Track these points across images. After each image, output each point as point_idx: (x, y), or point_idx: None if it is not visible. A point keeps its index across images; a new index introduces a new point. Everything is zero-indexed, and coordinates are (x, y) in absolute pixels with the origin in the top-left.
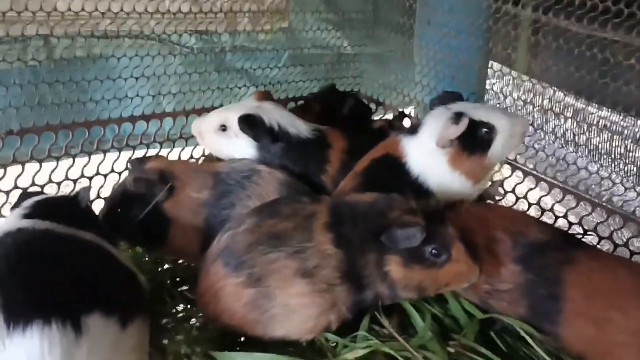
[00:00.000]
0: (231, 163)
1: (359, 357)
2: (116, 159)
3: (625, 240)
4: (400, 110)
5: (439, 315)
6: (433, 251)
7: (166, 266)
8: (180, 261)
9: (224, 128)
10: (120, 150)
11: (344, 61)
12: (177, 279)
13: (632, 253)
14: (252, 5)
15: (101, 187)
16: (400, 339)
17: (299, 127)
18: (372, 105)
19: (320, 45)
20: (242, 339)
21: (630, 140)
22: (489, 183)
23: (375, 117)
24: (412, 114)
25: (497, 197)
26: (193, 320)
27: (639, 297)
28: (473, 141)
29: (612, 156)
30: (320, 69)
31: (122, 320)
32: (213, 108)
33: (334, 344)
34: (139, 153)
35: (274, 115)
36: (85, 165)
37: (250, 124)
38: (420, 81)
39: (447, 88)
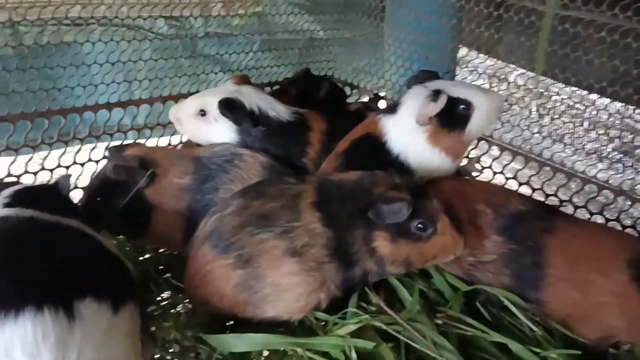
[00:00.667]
0: (212, 148)
1: (351, 332)
2: (93, 148)
3: (600, 209)
4: (375, 92)
5: (424, 290)
6: (419, 225)
7: (148, 255)
8: (162, 250)
9: (203, 113)
10: (97, 138)
11: (317, 46)
12: (161, 267)
13: (607, 220)
14: None
15: (78, 176)
16: (391, 312)
17: (279, 111)
18: (347, 89)
19: (293, 30)
20: (232, 322)
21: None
22: (466, 160)
23: (350, 101)
24: (387, 96)
25: (475, 173)
26: (180, 307)
27: (618, 259)
28: (452, 118)
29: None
30: (293, 54)
31: (115, 305)
32: (186, 95)
33: (324, 322)
34: (115, 142)
35: (254, 99)
36: (61, 155)
37: (230, 107)
38: (395, 62)
39: (420, 69)
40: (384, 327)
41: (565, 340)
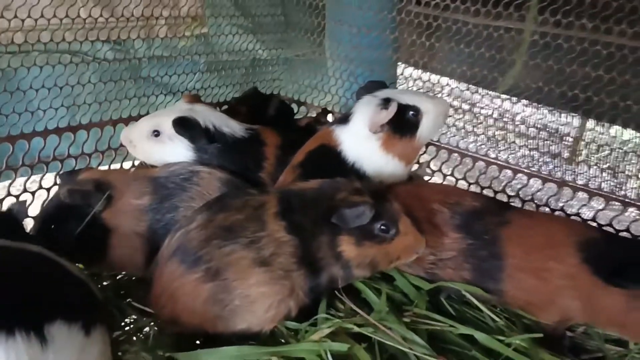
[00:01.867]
0: (168, 167)
1: (324, 336)
2: (43, 176)
3: (545, 201)
4: (323, 107)
5: (389, 293)
6: (382, 227)
7: (105, 283)
8: (119, 276)
9: (156, 133)
10: (47, 165)
11: (262, 65)
12: (122, 292)
13: (553, 210)
14: (169, 11)
15: (29, 205)
16: (362, 313)
17: (233, 127)
18: (294, 106)
19: (237, 50)
20: (201, 340)
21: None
22: (417, 165)
23: (299, 117)
24: (335, 110)
25: (426, 177)
26: (147, 329)
27: (569, 245)
28: (402, 124)
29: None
30: (238, 74)
31: (86, 327)
32: (134, 118)
33: (295, 331)
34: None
35: (208, 116)
36: (10, 184)
37: (185, 125)
38: (340, 77)
39: (363, 82)
40: (356, 328)
41: (526, 327)
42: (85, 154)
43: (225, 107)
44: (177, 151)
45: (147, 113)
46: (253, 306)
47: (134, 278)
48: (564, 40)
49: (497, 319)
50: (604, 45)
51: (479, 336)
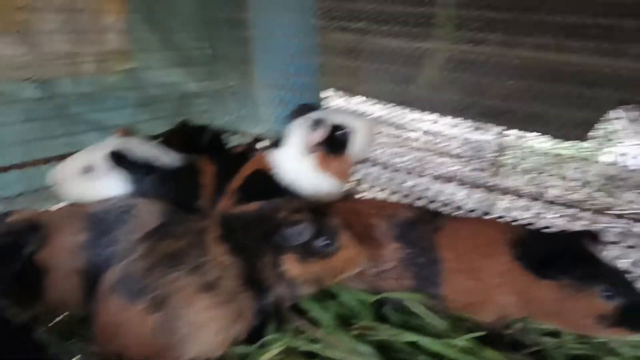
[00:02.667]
0: (105, 202)
1: (274, 357)
2: None
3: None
4: (256, 135)
5: (335, 309)
6: (323, 243)
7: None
8: (57, 319)
9: (89, 169)
10: None
11: (192, 97)
12: (65, 333)
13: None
14: (95, 47)
15: None
16: (312, 330)
17: (168, 158)
18: (227, 136)
19: (166, 84)
20: None
21: None
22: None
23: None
24: (267, 137)
25: (358, 194)
26: None
27: (499, 244)
28: (335, 143)
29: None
30: (169, 107)
31: None
32: (60, 157)
33: (245, 355)
34: None
35: (144, 149)
36: None
37: (120, 159)
38: (271, 104)
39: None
40: (305, 346)
41: (469, 328)
42: (11, 197)
43: (157, 140)
44: (112, 186)
45: (77, 151)
46: (201, 332)
47: (72, 320)
48: (479, 55)
49: (440, 323)
50: (515, 58)
51: (425, 341)
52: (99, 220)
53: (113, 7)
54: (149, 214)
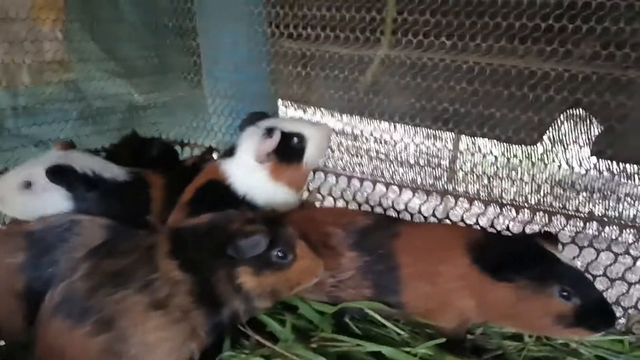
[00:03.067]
0: (45, 219)
1: None
2: None
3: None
4: (207, 146)
5: (293, 322)
6: (279, 254)
7: None
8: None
9: (28, 185)
10: None
11: (140, 109)
12: None
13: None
14: (31, 57)
15: None
16: (269, 344)
17: (114, 172)
18: (178, 147)
19: (109, 95)
20: None
21: None
22: (306, 192)
23: (184, 158)
24: (219, 147)
25: (317, 203)
26: None
27: (456, 248)
28: (288, 151)
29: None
30: (114, 120)
31: None
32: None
33: None
34: None
35: (85, 162)
36: None
37: (60, 174)
38: (222, 115)
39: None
40: None
41: (430, 336)
42: None
43: (103, 154)
44: (52, 202)
45: (13, 168)
46: (152, 354)
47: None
48: (428, 59)
49: (401, 331)
50: (464, 63)
51: (386, 351)
52: (38, 240)
53: (49, 15)
54: (92, 231)
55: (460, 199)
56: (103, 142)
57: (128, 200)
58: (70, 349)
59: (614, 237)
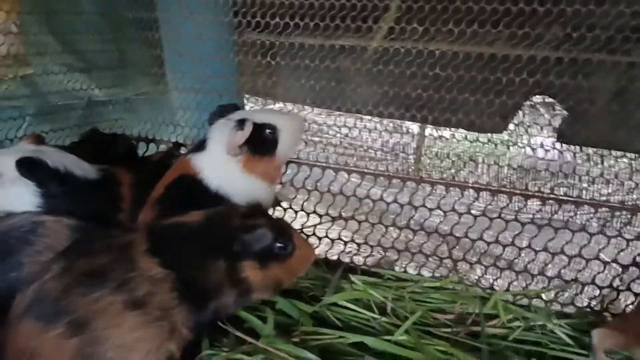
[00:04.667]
0: (6, 221)
1: None
2: None
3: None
4: (174, 141)
5: (273, 317)
6: (280, 244)
7: None
8: None
9: None
10: None
11: (100, 105)
12: None
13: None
14: None
15: None
16: (251, 340)
17: (85, 168)
18: (143, 144)
19: (68, 90)
20: None
21: None
22: (280, 186)
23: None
24: (186, 142)
25: (291, 196)
26: None
27: None
28: (261, 143)
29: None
30: (73, 116)
31: None
32: None
33: None
34: None
35: (57, 158)
36: None
37: (31, 167)
38: (188, 108)
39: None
40: (245, 358)
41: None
42: None
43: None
44: (20, 197)
45: None
46: (129, 356)
47: None
48: (396, 49)
49: (381, 319)
50: (430, 50)
51: (369, 340)
52: (0, 242)
53: (2, 6)
54: (59, 232)
55: (429, 188)
56: (63, 140)
57: (99, 198)
58: (41, 351)
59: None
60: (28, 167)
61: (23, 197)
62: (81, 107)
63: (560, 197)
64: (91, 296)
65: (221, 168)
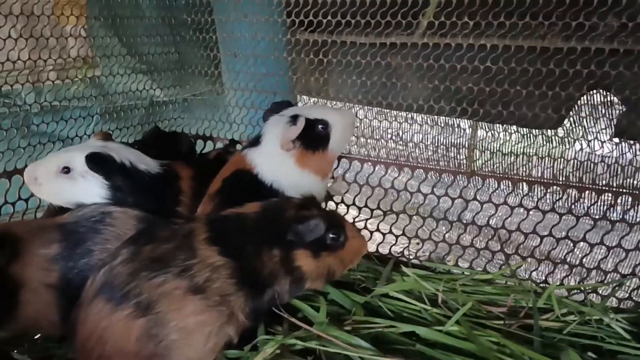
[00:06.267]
0: (77, 212)
1: (269, 357)
2: None
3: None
4: (230, 138)
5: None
6: (333, 235)
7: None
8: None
9: (67, 170)
10: None
11: (161, 104)
12: (41, 357)
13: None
14: (56, 54)
15: None
16: (305, 326)
17: (148, 163)
18: (200, 141)
19: (132, 91)
20: None
21: None
22: (332, 180)
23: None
24: (242, 139)
25: (343, 190)
26: None
27: None
28: (313, 138)
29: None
30: (136, 116)
31: None
32: (18, 171)
33: (237, 359)
34: None
35: (123, 153)
36: None
37: (100, 162)
38: (243, 107)
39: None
40: (299, 343)
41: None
42: None
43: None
44: (89, 189)
45: None
46: (191, 338)
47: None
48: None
49: (433, 310)
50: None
51: (420, 331)
52: (71, 231)
53: (72, 13)
54: (125, 221)
55: (481, 186)
56: (126, 138)
57: (161, 191)
58: (110, 331)
59: None
60: (97, 162)
61: (92, 190)
62: (144, 107)
63: (614, 190)
64: (156, 280)
65: (275, 163)
